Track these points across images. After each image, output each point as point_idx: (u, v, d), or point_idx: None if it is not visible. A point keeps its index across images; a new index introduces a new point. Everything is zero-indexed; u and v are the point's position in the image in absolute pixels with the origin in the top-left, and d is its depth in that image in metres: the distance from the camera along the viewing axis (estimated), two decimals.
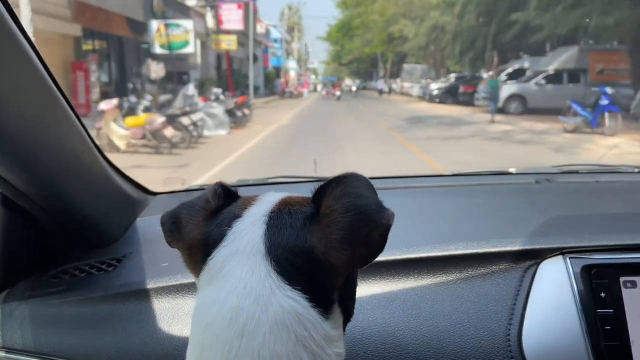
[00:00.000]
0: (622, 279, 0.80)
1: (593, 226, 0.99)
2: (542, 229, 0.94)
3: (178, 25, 16.56)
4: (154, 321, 0.81)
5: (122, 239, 1.01)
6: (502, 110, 16.23)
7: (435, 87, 25.06)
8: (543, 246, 0.86)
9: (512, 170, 1.59)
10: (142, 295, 0.84)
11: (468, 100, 20.92)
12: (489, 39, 21.93)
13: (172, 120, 10.27)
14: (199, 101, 12.32)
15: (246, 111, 14.23)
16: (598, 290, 0.79)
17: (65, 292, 0.86)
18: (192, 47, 17.06)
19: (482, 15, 22.20)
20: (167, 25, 16.39)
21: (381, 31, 42.66)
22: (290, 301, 0.46)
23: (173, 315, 0.81)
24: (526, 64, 19.12)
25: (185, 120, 10.87)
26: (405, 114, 18.73)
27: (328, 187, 0.50)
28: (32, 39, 0.68)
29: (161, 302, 0.82)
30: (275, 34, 49.77)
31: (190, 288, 0.82)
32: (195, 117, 11.47)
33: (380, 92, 37.98)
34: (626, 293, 0.79)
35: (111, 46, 16.60)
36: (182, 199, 1.08)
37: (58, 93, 0.74)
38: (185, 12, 18.71)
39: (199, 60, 21.93)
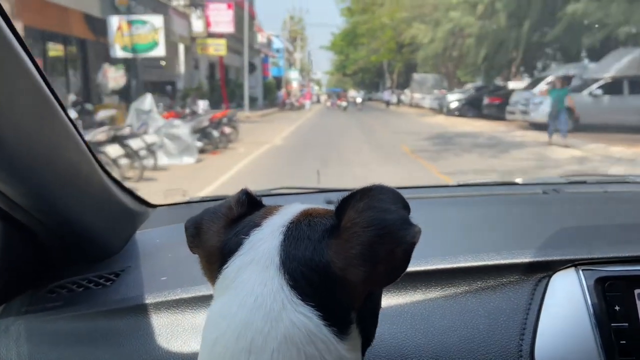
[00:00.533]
0: (637, 291, 0.79)
1: (604, 237, 0.98)
2: (553, 240, 0.93)
3: (144, 23, 13.00)
4: (153, 338, 0.79)
5: (121, 252, 0.98)
6: (539, 127, 12.90)
7: (453, 98, 21.98)
8: (555, 258, 0.84)
9: (518, 180, 1.62)
10: (141, 310, 0.81)
11: (495, 114, 17.79)
12: (521, 41, 18.62)
13: (118, 141, 7.37)
14: (159, 118, 9.18)
15: (227, 130, 11.01)
16: (612, 303, 0.78)
17: (63, 307, 0.83)
18: (161, 49, 13.71)
19: (514, 13, 18.74)
20: (130, 23, 12.98)
21: (389, 39, 39.83)
22: (302, 317, 0.44)
23: (172, 332, 0.79)
24: (571, 72, 15.82)
25: (135, 144, 7.75)
26: (424, 130, 15.58)
27: (351, 200, 0.48)
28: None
29: (160, 318, 0.80)
30: (277, 43, 47.36)
31: (190, 303, 0.80)
32: (150, 139, 8.36)
33: (388, 103, 35.36)
34: None
35: (68, 50, 13.52)
36: (182, 212, 1.22)
37: (55, 102, 0.71)
38: (161, 9, 15.45)
39: (181, 67, 18.83)
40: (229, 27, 19.67)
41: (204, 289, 0.80)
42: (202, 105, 12.48)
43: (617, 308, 0.77)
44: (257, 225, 0.50)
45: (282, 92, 35.51)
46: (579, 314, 0.77)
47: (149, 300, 0.81)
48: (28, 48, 0.64)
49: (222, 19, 19.56)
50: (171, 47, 16.18)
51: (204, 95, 17.44)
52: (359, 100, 41.15)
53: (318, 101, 52.30)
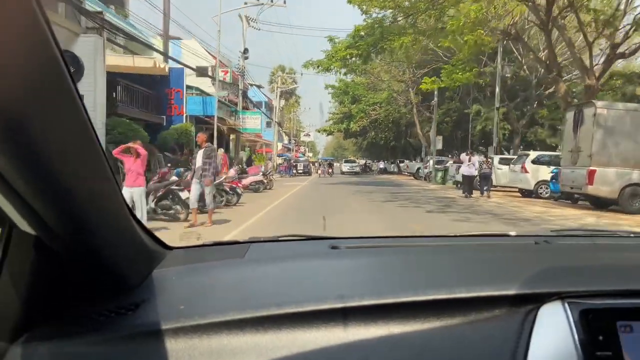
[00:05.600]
0: (619, 323, 0.84)
1: (590, 274, 1.04)
2: (541, 276, 0.99)
3: None
4: None
5: (139, 287, 1.00)
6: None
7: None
8: (542, 290, 0.90)
9: (511, 233, 1.74)
10: (160, 335, 0.84)
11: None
12: None
13: None
14: None
15: None
16: (596, 334, 0.83)
17: (84, 333, 0.86)
18: None
19: None
20: None
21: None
22: None
23: (189, 355, 0.82)
24: None
25: None
26: None
27: None
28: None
29: (178, 343, 0.83)
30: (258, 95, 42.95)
31: (206, 329, 0.83)
32: None
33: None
34: (623, 338, 0.83)
35: None
36: (198, 254, 1.37)
37: (96, 140, 0.74)
38: None
39: None
40: None
41: (220, 316, 0.84)
42: None
43: (600, 338, 0.83)
44: None
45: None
46: (566, 343, 0.82)
47: (167, 326, 0.84)
48: (72, 77, 0.66)
49: None
50: None
51: None
52: (357, 169, 41.51)
53: (306, 172, 40.55)
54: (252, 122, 28.03)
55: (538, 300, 0.88)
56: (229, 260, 1.27)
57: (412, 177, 36.94)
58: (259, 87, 60.16)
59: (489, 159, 17.99)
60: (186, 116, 20.82)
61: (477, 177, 17.73)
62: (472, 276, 1.06)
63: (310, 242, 1.52)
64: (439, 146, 27.64)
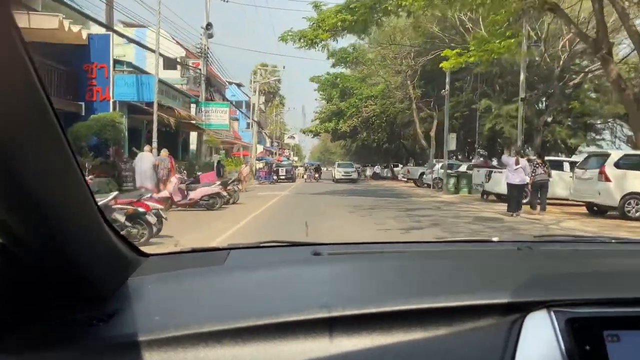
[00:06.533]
0: (605, 332, 0.82)
1: (575, 282, 1.02)
2: (526, 284, 0.97)
3: None
4: None
5: (113, 296, 0.98)
6: None
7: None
8: (528, 299, 0.88)
9: (494, 239, 1.71)
10: (134, 347, 0.81)
11: None
12: None
13: None
14: None
15: None
16: (582, 343, 0.81)
17: (54, 345, 0.83)
18: None
19: None
20: None
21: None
22: None
23: None
24: None
25: None
26: None
27: None
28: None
29: (152, 356, 0.80)
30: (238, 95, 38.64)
31: (182, 340, 0.80)
32: None
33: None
34: (610, 347, 0.81)
35: None
36: (175, 261, 1.30)
37: (66, 142, 0.73)
38: None
39: None
40: None
41: (197, 327, 0.81)
42: None
43: (587, 348, 0.81)
44: None
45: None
46: (552, 353, 0.80)
47: (141, 337, 0.81)
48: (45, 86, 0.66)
49: None
50: None
51: None
52: (353, 175, 33.86)
53: (289, 178, 35.68)
54: (218, 116, 22.02)
55: (524, 309, 0.86)
56: (207, 267, 1.23)
57: (412, 184, 31.57)
58: (238, 85, 54.71)
59: (544, 162, 12.60)
60: (114, 102, 14.91)
61: (525, 186, 12.38)
62: (456, 284, 1.04)
63: (292, 249, 1.51)
64: (452, 146, 22.03)
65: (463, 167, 23.22)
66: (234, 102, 43.39)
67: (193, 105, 21.82)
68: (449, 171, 22.02)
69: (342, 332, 0.80)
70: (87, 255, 0.87)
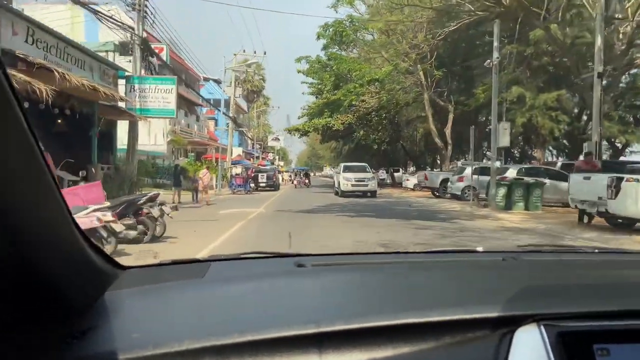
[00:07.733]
0: (595, 346, 0.82)
1: (563, 295, 1.02)
2: (515, 298, 0.96)
3: None
4: None
5: (89, 311, 0.95)
6: None
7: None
8: (517, 313, 0.88)
9: (479, 249, 1.75)
10: None
11: None
12: None
13: None
14: None
15: None
16: (573, 357, 0.81)
17: None
18: None
19: None
20: None
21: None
22: None
23: None
24: None
25: None
26: None
27: None
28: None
29: None
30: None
31: (161, 359, 0.78)
32: None
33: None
34: None
35: None
36: (154, 274, 1.24)
37: (38, 151, 0.71)
38: None
39: None
40: None
41: (176, 345, 0.78)
42: None
43: None
44: None
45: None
46: None
47: (118, 356, 0.78)
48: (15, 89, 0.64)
49: None
50: None
51: None
52: (351, 185, 22.14)
53: (271, 186, 30.90)
54: (159, 97, 14.90)
55: (513, 322, 0.86)
56: (187, 280, 1.20)
57: (428, 193, 24.81)
58: (217, 81, 47.65)
59: None
60: None
61: None
62: (444, 297, 1.03)
63: (275, 260, 1.49)
64: (506, 141, 14.94)
65: (511, 172, 16.47)
66: (211, 101, 36.62)
67: (122, 83, 14.74)
68: (497, 178, 15.22)
69: (332, 348, 0.79)
70: (59, 267, 0.84)
